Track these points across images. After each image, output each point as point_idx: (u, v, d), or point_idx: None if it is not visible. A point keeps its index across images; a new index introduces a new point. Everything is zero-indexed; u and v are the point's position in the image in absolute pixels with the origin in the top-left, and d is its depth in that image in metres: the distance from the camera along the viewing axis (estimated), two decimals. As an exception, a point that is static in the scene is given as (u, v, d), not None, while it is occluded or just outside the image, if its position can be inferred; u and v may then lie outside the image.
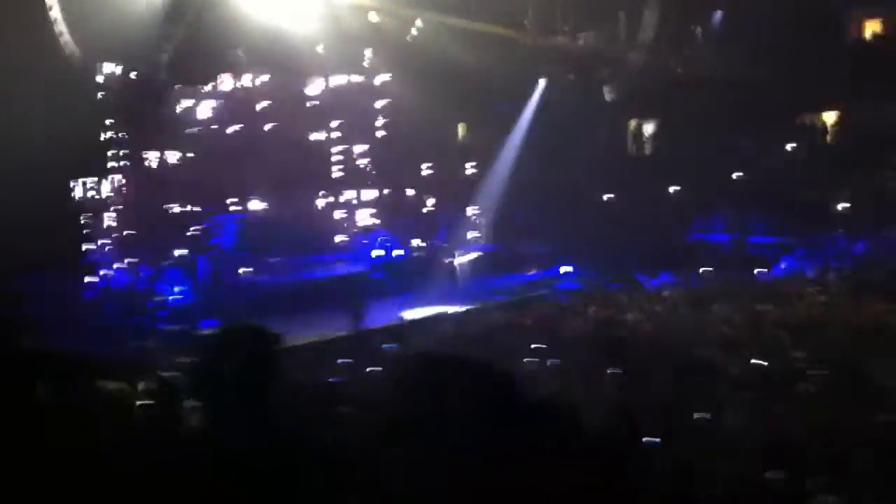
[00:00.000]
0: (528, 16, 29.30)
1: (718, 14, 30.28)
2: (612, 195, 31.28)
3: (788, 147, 30.75)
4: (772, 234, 28.95)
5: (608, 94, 30.12)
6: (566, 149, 28.76)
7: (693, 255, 28.21)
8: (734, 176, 30.32)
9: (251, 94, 26.61)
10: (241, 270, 25.02)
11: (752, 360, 14.43)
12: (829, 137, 30.28)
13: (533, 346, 17.13)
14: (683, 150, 30.59)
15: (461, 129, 30.61)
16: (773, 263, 26.39)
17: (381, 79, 27.94)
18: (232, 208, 26.08)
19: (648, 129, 32.28)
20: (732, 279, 24.07)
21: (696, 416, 10.92)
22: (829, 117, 30.08)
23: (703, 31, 30.17)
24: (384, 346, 19.09)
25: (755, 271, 25.31)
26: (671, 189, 32.08)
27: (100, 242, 22.86)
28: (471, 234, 30.12)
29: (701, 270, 26.23)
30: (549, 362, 16.07)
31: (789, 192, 29.03)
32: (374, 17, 27.01)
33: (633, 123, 32.55)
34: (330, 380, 13.00)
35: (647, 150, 32.40)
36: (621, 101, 30.07)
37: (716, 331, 17.34)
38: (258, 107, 26.78)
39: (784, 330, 16.73)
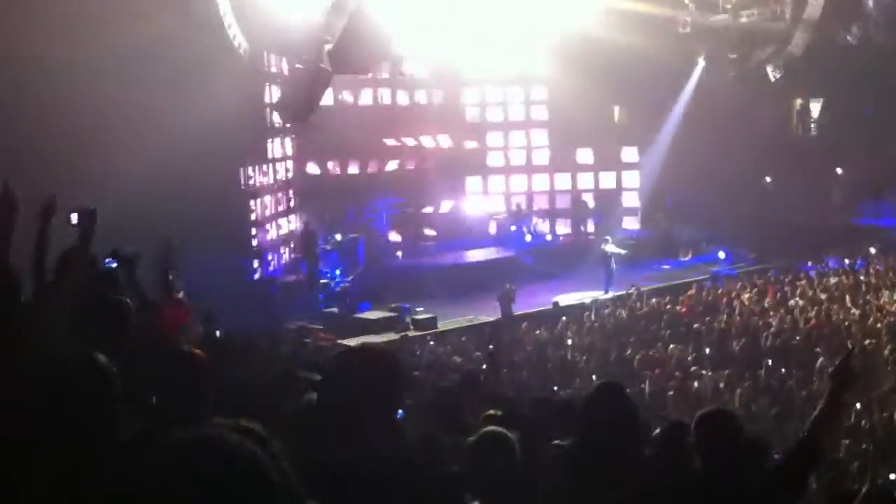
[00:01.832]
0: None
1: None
2: (773, 178, 30.28)
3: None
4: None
5: (771, 74, 29.00)
6: (726, 130, 27.96)
7: (860, 240, 27.01)
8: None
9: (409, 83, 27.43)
10: (397, 254, 25.77)
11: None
12: None
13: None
14: (851, 129, 29.23)
15: (618, 113, 30.18)
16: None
17: (538, 64, 27.92)
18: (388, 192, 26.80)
19: (814, 108, 30.96)
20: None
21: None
22: None
23: (871, 3, 28.53)
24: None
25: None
26: (838, 171, 30.76)
27: (266, 227, 24.00)
28: (625, 219, 29.86)
29: (869, 255, 25.14)
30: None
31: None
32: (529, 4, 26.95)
33: (797, 103, 31.31)
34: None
35: (813, 130, 31.08)
36: (785, 81, 28.88)
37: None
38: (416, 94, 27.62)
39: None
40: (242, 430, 1.86)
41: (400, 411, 5.34)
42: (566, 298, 22.16)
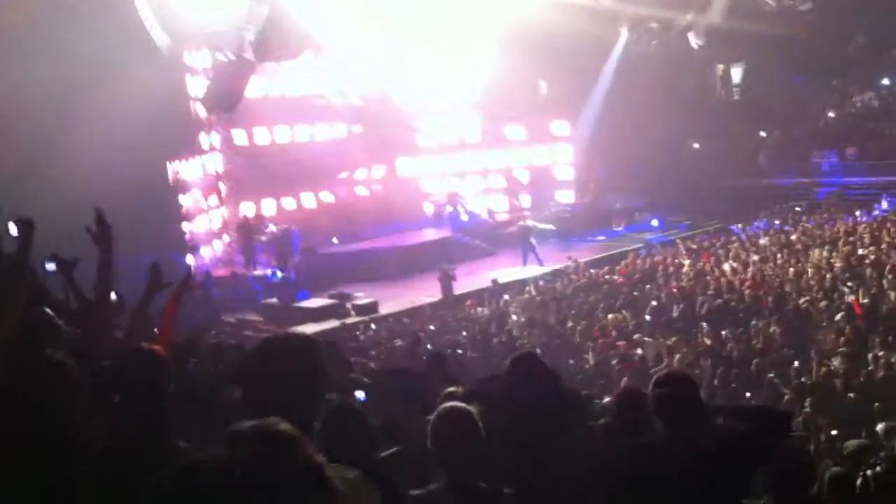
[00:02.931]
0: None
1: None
2: (700, 143, 30.79)
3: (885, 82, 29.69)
4: (872, 174, 28.09)
5: (693, 41, 29.42)
6: (652, 99, 28.29)
7: (787, 200, 27.64)
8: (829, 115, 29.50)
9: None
10: (333, 240, 25.55)
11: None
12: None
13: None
14: (772, 93, 29.83)
15: (545, 87, 30.28)
16: (876, 205, 25.61)
17: (466, 44, 27.78)
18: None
19: (735, 73, 31.51)
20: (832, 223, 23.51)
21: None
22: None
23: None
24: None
25: (856, 214, 24.61)
26: (761, 133, 31.39)
27: (196, 221, 23.59)
28: (559, 192, 30.05)
29: (795, 214, 25.73)
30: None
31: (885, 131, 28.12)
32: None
33: (720, 69, 31.83)
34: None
35: (736, 94, 31.65)
36: (707, 48, 29.31)
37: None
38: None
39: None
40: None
41: (362, 394, 5.30)
42: (504, 275, 22.22)
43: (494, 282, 21.33)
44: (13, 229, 3.95)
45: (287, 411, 1.75)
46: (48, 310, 4.09)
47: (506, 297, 20.08)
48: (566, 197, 29.93)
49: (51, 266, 5.58)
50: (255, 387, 2.66)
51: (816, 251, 19.55)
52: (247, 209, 25.06)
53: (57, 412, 2.82)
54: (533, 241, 23.63)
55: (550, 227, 25.08)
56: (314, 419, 2.71)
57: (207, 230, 24.17)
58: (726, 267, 19.45)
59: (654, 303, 16.90)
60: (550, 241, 25.15)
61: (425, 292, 21.34)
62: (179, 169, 22.91)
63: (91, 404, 3.13)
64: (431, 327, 17.72)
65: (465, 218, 27.29)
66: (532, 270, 22.60)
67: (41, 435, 2.77)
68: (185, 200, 23.06)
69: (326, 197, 27.12)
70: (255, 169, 25.33)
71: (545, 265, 22.88)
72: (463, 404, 3.37)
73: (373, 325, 19.04)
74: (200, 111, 23.82)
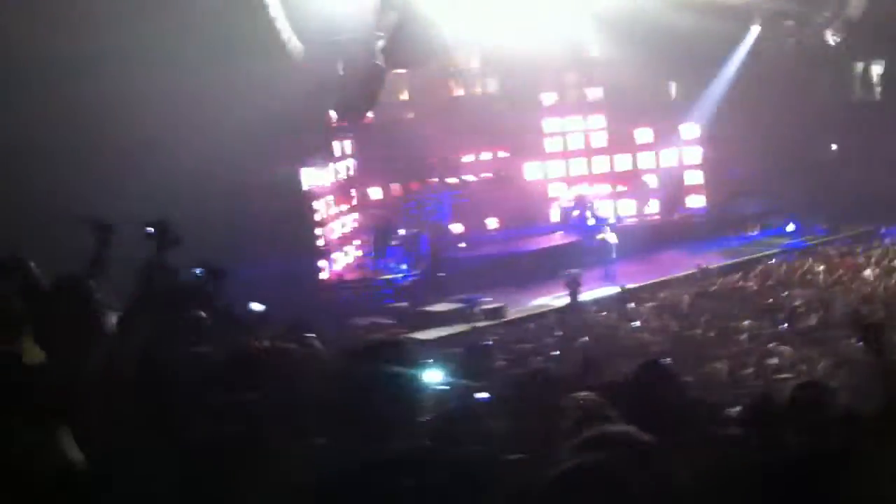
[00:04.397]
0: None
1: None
2: (838, 146, 29.61)
3: None
4: None
5: (831, 38, 28.33)
6: (787, 99, 27.39)
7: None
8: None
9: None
10: (461, 245, 25.81)
11: None
12: None
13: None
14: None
15: (673, 88, 29.73)
16: None
17: (593, 47, 27.62)
18: (448, 182, 26.91)
19: (875, 71, 30.14)
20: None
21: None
22: None
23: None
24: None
25: None
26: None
27: (330, 226, 24.26)
28: (690, 197, 29.44)
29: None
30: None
31: None
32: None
33: (858, 66, 30.51)
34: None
35: (877, 94, 30.27)
36: (844, 45, 28.16)
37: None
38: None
39: None
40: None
41: (486, 395, 5.35)
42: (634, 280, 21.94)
43: (623, 289, 21.13)
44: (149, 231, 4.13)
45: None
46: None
47: (631, 304, 19.84)
48: (697, 201, 29.28)
49: (199, 272, 5.77)
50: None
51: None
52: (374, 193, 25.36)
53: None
54: (614, 255, 23.08)
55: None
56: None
57: (340, 235, 24.80)
58: (867, 273, 18.72)
59: (790, 311, 16.43)
60: (683, 246, 24.59)
61: (552, 297, 21.32)
62: (313, 175, 23.60)
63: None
64: (560, 332, 17.71)
65: (591, 222, 27.04)
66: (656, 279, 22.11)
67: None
68: (319, 206, 23.72)
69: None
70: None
71: (616, 284, 22.15)
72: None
73: (500, 331, 19.15)
74: (333, 117, 24.47)
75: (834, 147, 29.89)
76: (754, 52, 28.44)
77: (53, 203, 14.59)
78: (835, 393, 3.70)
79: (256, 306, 5.73)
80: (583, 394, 4.24)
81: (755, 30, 28.60)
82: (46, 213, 14.00)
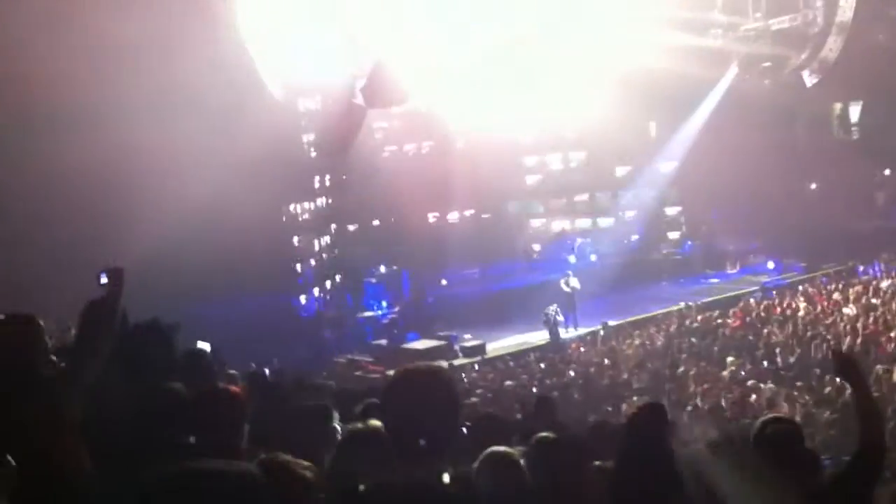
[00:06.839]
0: (718, 4, 28.50)
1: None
2: (817, 184, 29.87)
3: None
4: None
5: (807, 79, 28.70)
6: (764, 139, 27.62)
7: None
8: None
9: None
10: (442, 282, 25.73)
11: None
12: None
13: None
14: (894, 132, 28.73)
15: (653, 128, 29.95)
16: None
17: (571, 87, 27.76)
18: (430, 220, 26.89)
19: (854, 112, 30.47)
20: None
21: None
22: None
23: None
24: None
25: None
26: (886, 172, 30.25)
27: (311, 262, 24.18)
28: (669, 234, 29.57)
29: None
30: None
31: None
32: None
33: (836, 107, 30.86)
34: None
35: (854, 134, 30.59)
36: (821, 85, 28.52)
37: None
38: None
39: None
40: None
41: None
42: (615, 317, 21.91)
43: (604, 325, 21.07)
44: (103, 279, 4.06)
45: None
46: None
47: (612, 341, 19.79)
48: (677, 238, 29.40)
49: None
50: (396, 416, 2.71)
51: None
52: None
53: None
54: (575, 300, 22.53)
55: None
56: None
57: (318, 270, 24.70)
58: (847, 311, 18.73)
59: (770, 348, 16.39)
60: (663, 283, 24.62)
61: (531, 334, 21.25)
62: (294, 210, 23.58)
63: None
64: (542, 365, 17.64)
65: (573, 259, 27.07)
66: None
67: None
68: (299, 241, 23.68)
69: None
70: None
71: (579, 329, 21.96)
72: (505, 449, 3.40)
73: (476, 367, 19.05)
74: (314, 155, 24.51)
75: (813, 186, 30.16)
76: (732, 93, 28.75)
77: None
78: (800, 430, 3.66)
79: (203, 345, 5.63)
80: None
81: (733, 71, 28.95)
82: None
